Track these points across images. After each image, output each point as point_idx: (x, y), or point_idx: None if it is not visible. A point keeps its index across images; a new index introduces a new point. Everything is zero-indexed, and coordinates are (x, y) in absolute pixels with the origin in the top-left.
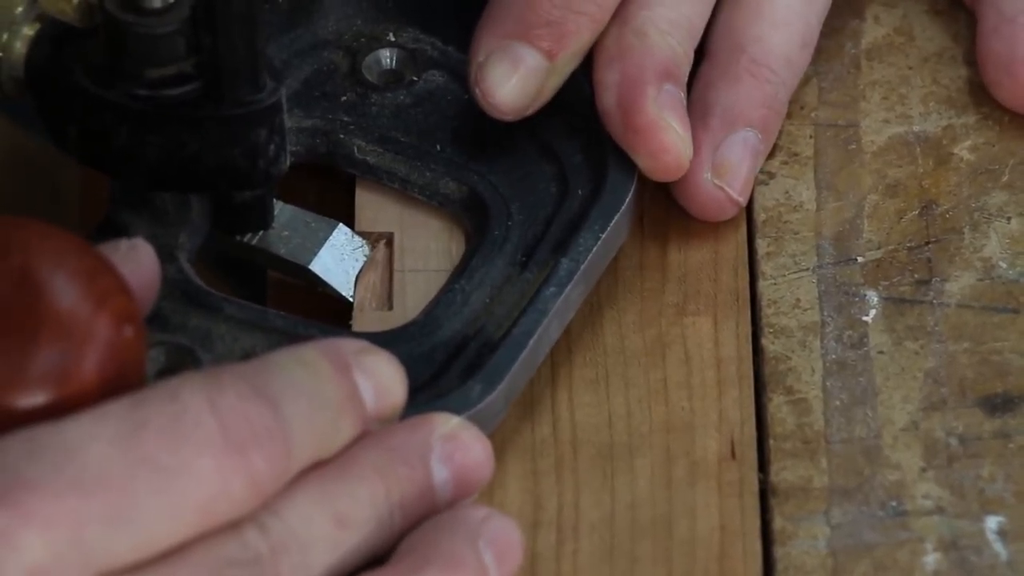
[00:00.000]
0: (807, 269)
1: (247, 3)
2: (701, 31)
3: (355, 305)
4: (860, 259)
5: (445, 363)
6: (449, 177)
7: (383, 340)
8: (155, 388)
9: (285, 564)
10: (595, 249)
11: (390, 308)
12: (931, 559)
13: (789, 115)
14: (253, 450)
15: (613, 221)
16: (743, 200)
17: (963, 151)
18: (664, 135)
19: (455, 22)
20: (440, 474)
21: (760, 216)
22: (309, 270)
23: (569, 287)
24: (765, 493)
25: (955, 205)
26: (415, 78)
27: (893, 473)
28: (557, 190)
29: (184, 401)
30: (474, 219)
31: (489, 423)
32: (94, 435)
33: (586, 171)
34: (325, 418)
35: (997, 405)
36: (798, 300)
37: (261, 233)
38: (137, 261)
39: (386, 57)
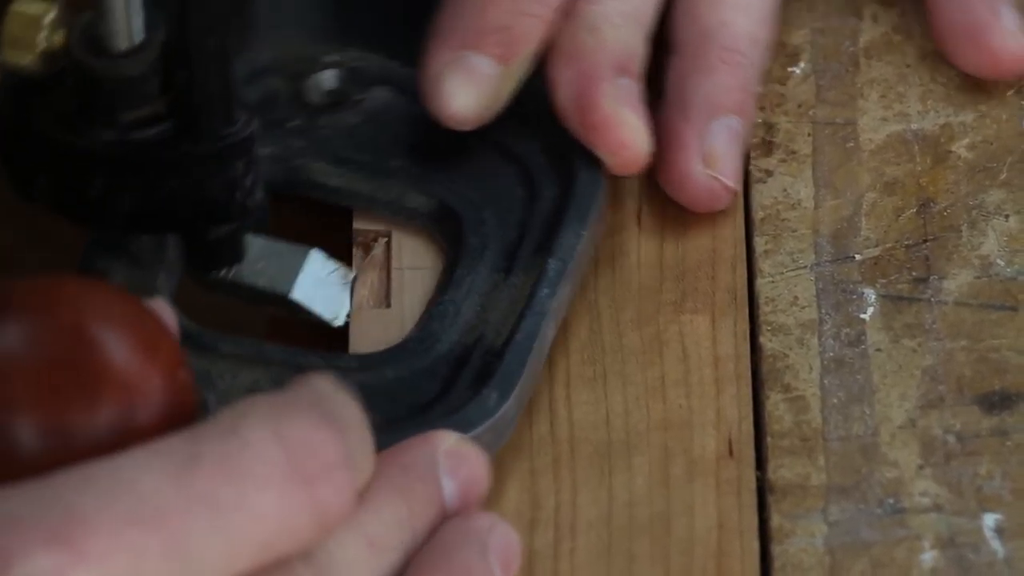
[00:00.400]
0: (805, 267)
1: (221, 37)
2: (654, 18)
3: (353, 303)
4: (858, 257)
5: (451, 376)
6: (415, 191)
7: (385, 358)
8: (216, 420)
9: None
10: (579, 247)
11: (388, 306)
12: (928, 556)
13: (787, 113)
14: (321, 483)
15: (591, 217)
16: (737, 187)
17: (961, 149)
18: (621, 131)
19: (394, 37)
20: (448, 488)
21: (758, 214)
22: (291, 299)
23: (561, 287)
24: (763, 491)
25: (953, 203)
26: (360, 96)
27: (891, 471)
28: (524, 192)
29: (246, 434)
30: (447, 230)
31: (505, 432)
32: (149, 468)
33: (550, 170)
34: (370, 442)
35: (995, 403)
36: (796, 298)
37: (235, 268)
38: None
39: (327, 78)
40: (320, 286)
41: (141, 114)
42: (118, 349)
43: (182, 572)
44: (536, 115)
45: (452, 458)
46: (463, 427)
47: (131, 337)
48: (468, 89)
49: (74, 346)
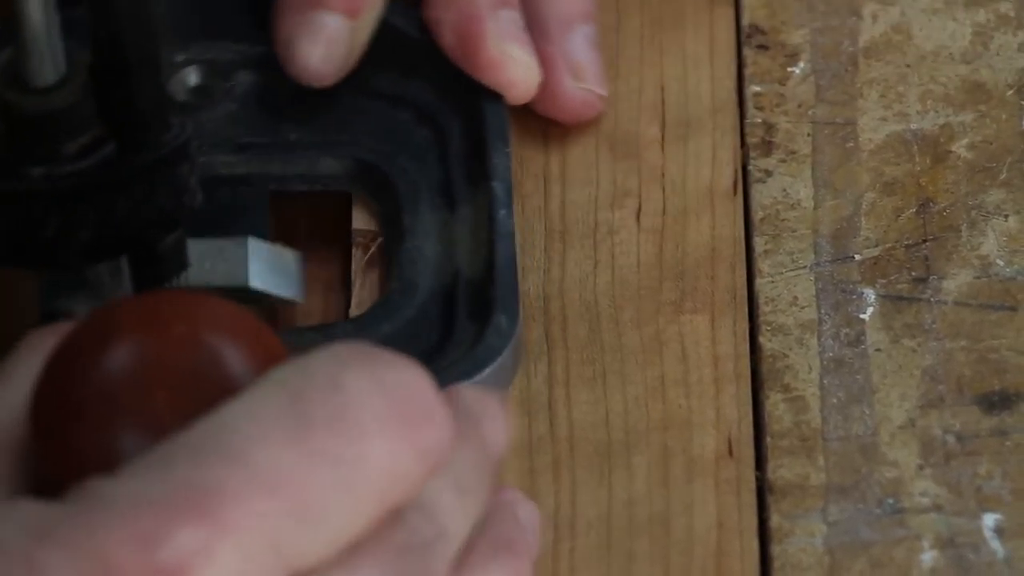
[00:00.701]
0: (804, 267)
1: (157, 44)
2: None
3: (352, 304)
4: (857, 257)
5: (446, 316)
6: (325, 157)
7: (375, 318)
8: (312, 372)
9: (441, 544)
10: (511, 166)
11: None
12: (928, 557)
13: (786, 113)
14: (423, 425)
15: (509, 134)
16: (605, 92)
17: (960, 149)
18: (509, 67)
19: (236, 21)
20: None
21: (758, 214)
22: (250, 288)
23: (512, 205)
24: (762, 490)
25: (952, 203)
26: (227, 83)
27: (890, 471)
28: (429, 131)
29: (349, 387)
30: (371, 185)
31: (519, 352)
32: (262, 437)
33: (445, 104)
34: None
35: (994, 403)
36: (795, 298)
37: (183, 274)
38: None
39: (189, 75)
40: (271, 270)
41: (83, 141)
42: (236, 358)
43: (314, 533)
44: (415, 56)
45: (479, 403)
46: (489, 355)
47: (246, 345)
48: (319, 48)
49: (192, 358)
